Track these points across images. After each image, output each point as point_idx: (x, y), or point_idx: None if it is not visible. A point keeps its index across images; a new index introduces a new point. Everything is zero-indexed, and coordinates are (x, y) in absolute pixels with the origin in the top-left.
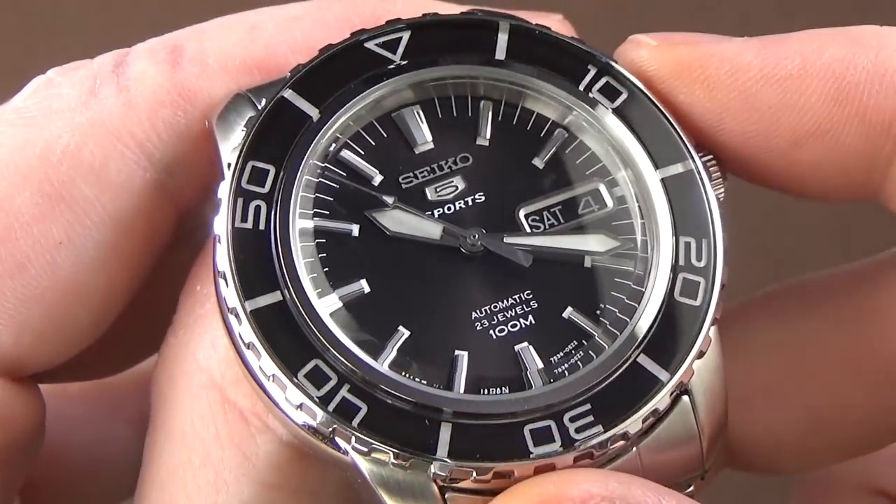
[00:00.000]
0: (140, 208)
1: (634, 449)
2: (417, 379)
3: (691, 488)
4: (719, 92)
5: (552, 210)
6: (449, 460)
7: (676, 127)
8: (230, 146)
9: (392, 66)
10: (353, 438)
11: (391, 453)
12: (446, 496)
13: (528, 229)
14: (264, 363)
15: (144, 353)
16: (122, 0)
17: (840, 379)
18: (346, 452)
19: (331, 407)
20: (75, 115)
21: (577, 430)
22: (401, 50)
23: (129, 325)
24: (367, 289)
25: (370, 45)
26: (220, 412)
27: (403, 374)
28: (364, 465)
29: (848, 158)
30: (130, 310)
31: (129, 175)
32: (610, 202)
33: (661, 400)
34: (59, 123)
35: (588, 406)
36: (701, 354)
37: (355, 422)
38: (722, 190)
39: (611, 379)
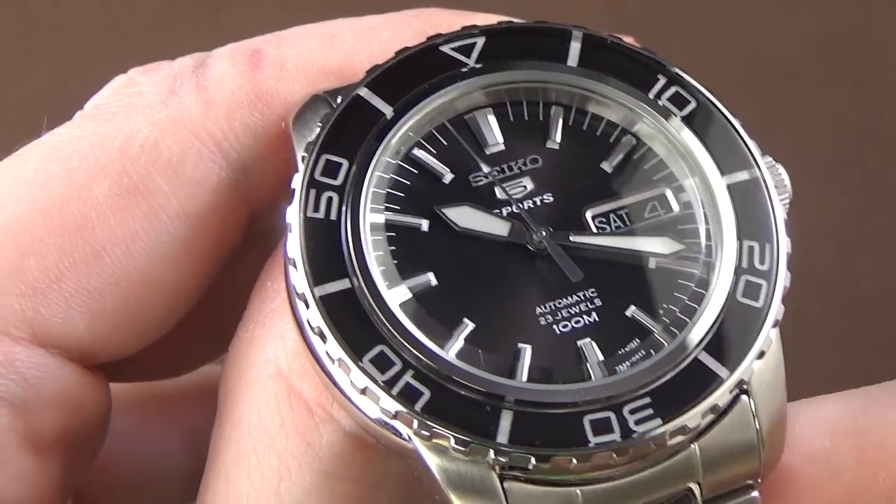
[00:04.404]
0: (215, 206)
1: (693, 446)
2: (481, 368)
3: (755, 493)
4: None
5: (619, 213)
6: (508, 446)
7: (743, 135)
8: (305, 142)
9: (466, 70)
10: (416, 423)
11: (452, 438)
12: (505, 486)
13: (594, 230)
14: (330, 347)
15: (210, 354)
16: (122, 0)
17: None
18: (407, 439)
19: (394, 391)
20: (155, 112)
21: (637, 423)
22: (475, 54)
23: (197, 324)
24: (434, 281)
25: (445, 48)
26: (285, 402)
27: (467, 363)
28: (425, 452)
29: None
30: (199, 308)
31: (205, 172)
32: (676, 207)
33: (720, 396)
34: (139, 119)
35: (648, 399)
36: (761, 355)
37: (418, 406)
38: (787, 199)
39: (671, 374)
